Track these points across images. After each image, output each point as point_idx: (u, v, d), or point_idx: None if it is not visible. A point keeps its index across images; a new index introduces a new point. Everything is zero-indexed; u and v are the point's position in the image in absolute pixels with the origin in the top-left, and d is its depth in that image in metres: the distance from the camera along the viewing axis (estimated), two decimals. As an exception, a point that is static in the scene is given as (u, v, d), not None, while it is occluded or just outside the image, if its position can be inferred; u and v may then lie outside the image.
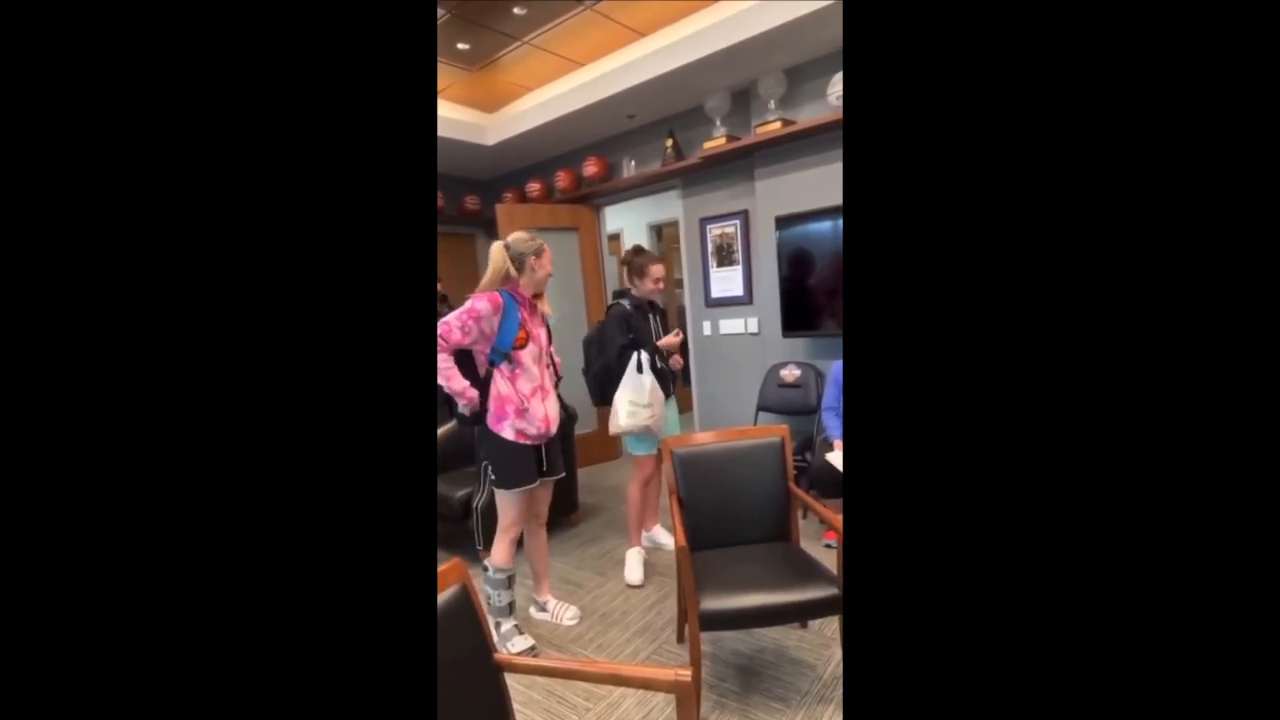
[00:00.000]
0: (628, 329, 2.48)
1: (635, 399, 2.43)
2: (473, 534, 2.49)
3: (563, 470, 2.05)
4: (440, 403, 3.59)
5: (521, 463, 1.88)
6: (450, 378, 1.80)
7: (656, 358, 2.49)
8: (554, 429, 1.96)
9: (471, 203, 4.34)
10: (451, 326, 1.77)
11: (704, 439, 1.90)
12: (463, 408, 1.85)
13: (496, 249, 1.85)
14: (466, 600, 1.07)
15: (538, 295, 1.93)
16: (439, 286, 3.53)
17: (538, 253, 1.87)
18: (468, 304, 1.79)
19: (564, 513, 2.96)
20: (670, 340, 2.49)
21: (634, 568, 2.50)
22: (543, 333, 1.96)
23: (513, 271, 1.84)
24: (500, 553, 1.92)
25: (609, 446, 4.16)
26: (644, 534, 2.69)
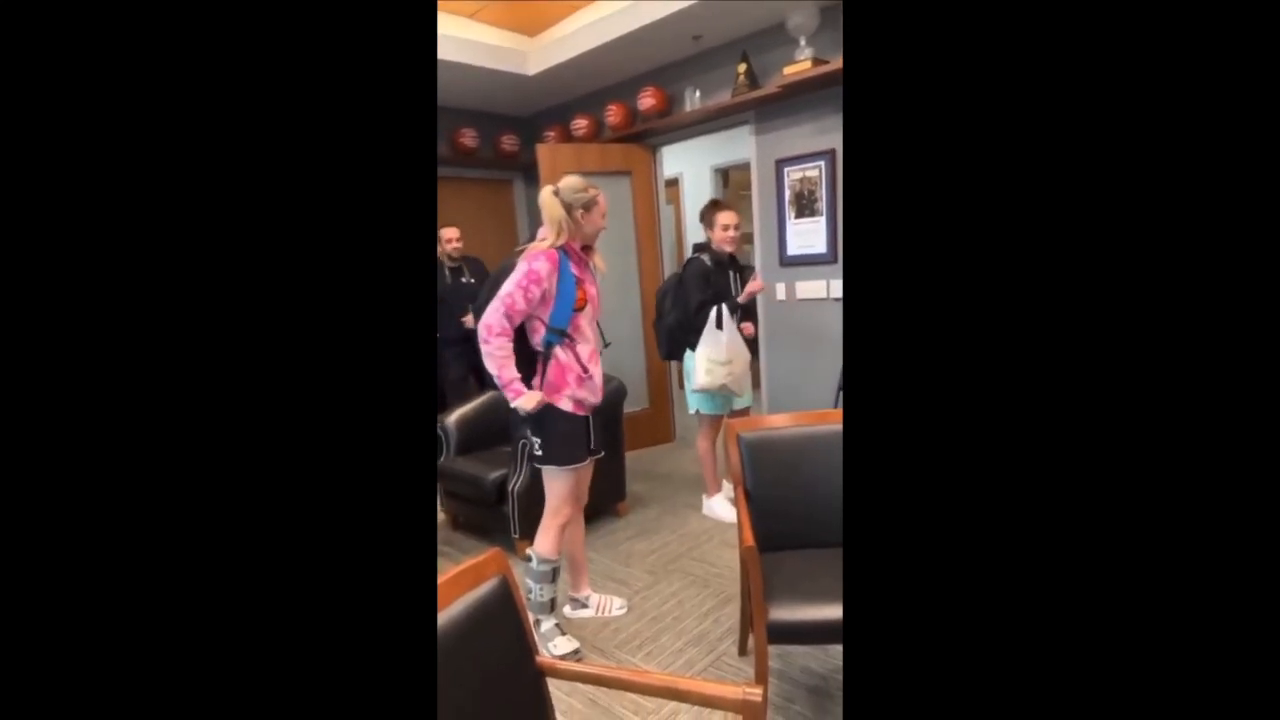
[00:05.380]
0: (706, 284, 2.73)
1: (713, 356, 2.68)
2: (507, 520, 2.57)
3: (602, 450, 2.10)
4: (463, 377, 3.70)
5: (576, 437, 1.94)
6: (503, 366, 1.79)
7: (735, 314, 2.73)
8: (602, 397, 2.04)
9: (509, 143, 4.35)
10: (515, 299, 1.77)
11: (776, 423, 1.88)
12: (517, 402, 1.82)
13: (548, 197, 1.84)
14: (507, 595, 1.10)
15: (587, 248, 1.94)
16: (453, 244, 3.61)
17: (587, 205, 1.88)
18: (523, 268, 1.80)
19: (610, 501, 3.01)
20: (752, 288, 2.71)
21: (723, 509, 2.89)
22: (597, 290, 2.00)
23: (568, 223, 1.85)
24: (547, 541, 1.96)
25: (661, 427, 4.19)
26: (704, 499, 2.99)
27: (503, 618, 1.09)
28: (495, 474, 2.63)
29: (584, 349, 1.93)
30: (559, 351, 1.88)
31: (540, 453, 1.93)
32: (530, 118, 4.57)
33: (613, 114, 3.84)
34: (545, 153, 3.75)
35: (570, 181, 1.89)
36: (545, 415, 1.89)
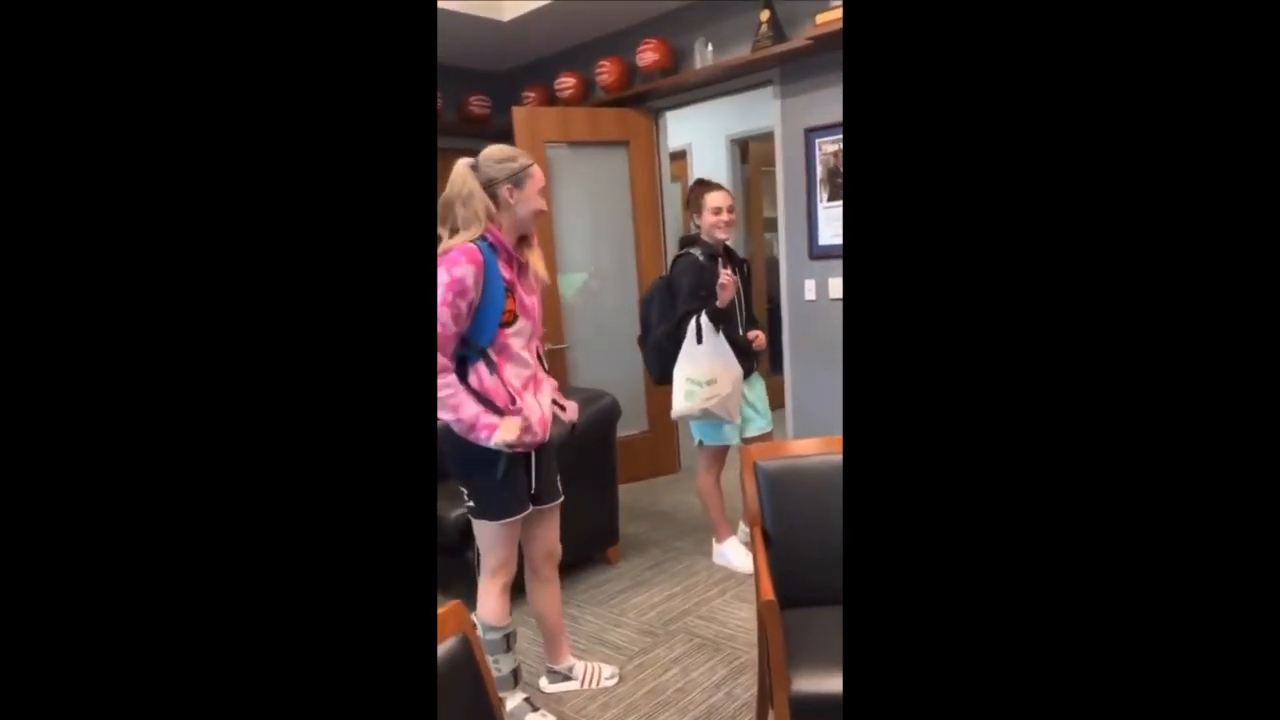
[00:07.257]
0: (699, 285, 2.64)
1: (692, 375, 2.63)
2: (471, 568, 2.56)
3: (560, 494, 2.05)
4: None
5: (509, 483, 1.87)
6: (458, 408, 1.73)
7: (733, 324, 2.67)
8: (548, 433, 1.95)
9: (478, 105, 4.39)
10: (443, 322, 1.70)
11: (801, 449, 1.90)
12: (496, 438, 1.77)
13: (462, 172, 1.80)
14: (469, 658, 1.09)
15: (524, 240, 1.88)
16: None
17: (517, 179, 1.80)
18: (443, 278, 1.71)
19: (599, 546, 3.00)
20: (724, 282, 2.57)
21: (738, 557, 2.85)
22: (536, 301, 1.93)
23: (490, 207, 1.80)
24: (490, 605, 1.93)
25: (663, 455, 4.19)
26: (714, 544, 3.00)
27: (463, 686, 1.08)
28: (457, 512, 2.62)
29: (515, 374, 1.86)
30: (481, 371, 1.82)
31: (471, 503, 1.89)
32: (505, 74, 4.61)
33: (606, 71, 3.88)
34: (522, 117, 3.77)
35: (491, 151, 1.84)
36: (470, 456, 1.83)
